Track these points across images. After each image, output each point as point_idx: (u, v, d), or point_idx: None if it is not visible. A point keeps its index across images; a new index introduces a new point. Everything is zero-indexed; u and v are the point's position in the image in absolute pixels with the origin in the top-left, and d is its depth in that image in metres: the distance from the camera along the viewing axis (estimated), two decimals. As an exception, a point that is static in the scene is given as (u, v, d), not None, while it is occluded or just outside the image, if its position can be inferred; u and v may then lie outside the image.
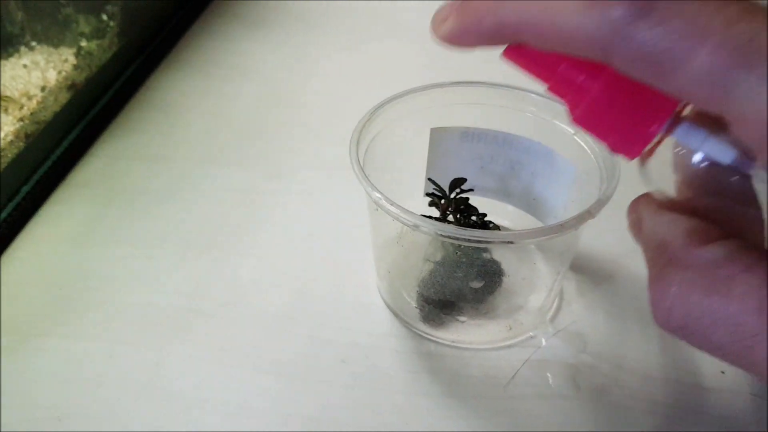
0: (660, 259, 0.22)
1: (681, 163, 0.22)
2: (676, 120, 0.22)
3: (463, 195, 0.37)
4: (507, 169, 0.40)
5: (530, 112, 0.38)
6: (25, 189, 0.43)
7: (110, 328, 0.36)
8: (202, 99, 0.54)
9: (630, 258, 0.40)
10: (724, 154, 0.21)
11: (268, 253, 0.40)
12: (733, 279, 0.20)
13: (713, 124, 0.21)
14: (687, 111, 0.22)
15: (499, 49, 0.22)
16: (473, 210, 0.37)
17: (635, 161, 0.23)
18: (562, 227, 0.29)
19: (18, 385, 0.33)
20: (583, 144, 0.36)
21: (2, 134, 0.41)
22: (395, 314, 0.37)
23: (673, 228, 0.22)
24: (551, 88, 0.23)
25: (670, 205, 0.23)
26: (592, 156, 0.35)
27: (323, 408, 0.32)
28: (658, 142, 0.22)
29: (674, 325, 0.21)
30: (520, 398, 0.33)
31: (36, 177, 0.44)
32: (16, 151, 0.42)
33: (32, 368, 0.34)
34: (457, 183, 0.37)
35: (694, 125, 0.21)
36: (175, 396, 0.33)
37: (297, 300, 0.38)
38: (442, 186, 0.38)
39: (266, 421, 0.32)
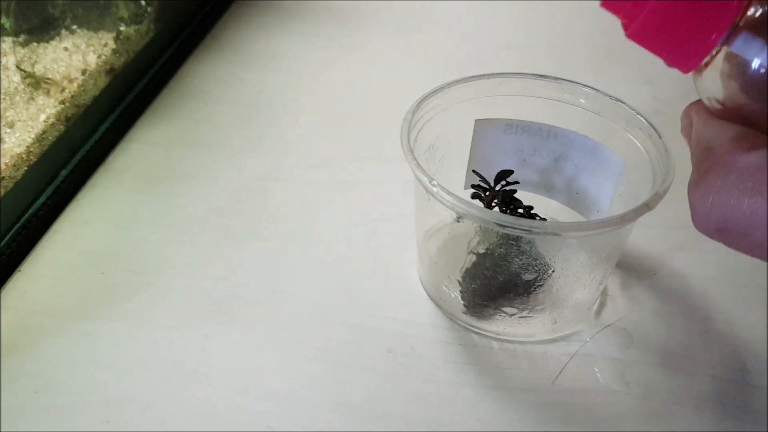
0: (705, 163, 0.23)
1: (736, 72, 0.23)
2: (735, 30, 0.22)
3: (509, 188, 0.37)
4: (550, 162, 0.39)
5: (578, 104, 0.38)
6: (65, 172, 0.43)
7: (154, 312, 0.36)
8: (236, 87, 0.53)
9: (673, 254, 0.40)
10: None
11: (309, 241, 0.40)
12: None
13: None
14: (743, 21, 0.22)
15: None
16: (519, 203, 0.37)
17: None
18: (622, 219, 0.29)
19: (65, 368, 0.33)
20: (633, 138, 0.35)
21: (44, 117, 0.41)
22: (438, 305, 0.37)
23: (720, 134, 0.23)
24: (604, 4, 0.23)
25: (721, 113, 0.24)
26: (643, 150, 0.35)
27: (371, 396, 0.32)
28: (716, 54, 0.23)
29: (713, 227, 0.22)
30: (570, 392, 0.32)
31: (75, 160, 0.44)
32: (57, 133, 0.42)
33: (78, 352, 0.34)
34: (504, 175, 0.37)
35: (751, 35, 0.22)
36: (221, 381, 0.33)
37: (340, 288, 0.37)
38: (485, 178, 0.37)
39: (314, 408, 0.32)
